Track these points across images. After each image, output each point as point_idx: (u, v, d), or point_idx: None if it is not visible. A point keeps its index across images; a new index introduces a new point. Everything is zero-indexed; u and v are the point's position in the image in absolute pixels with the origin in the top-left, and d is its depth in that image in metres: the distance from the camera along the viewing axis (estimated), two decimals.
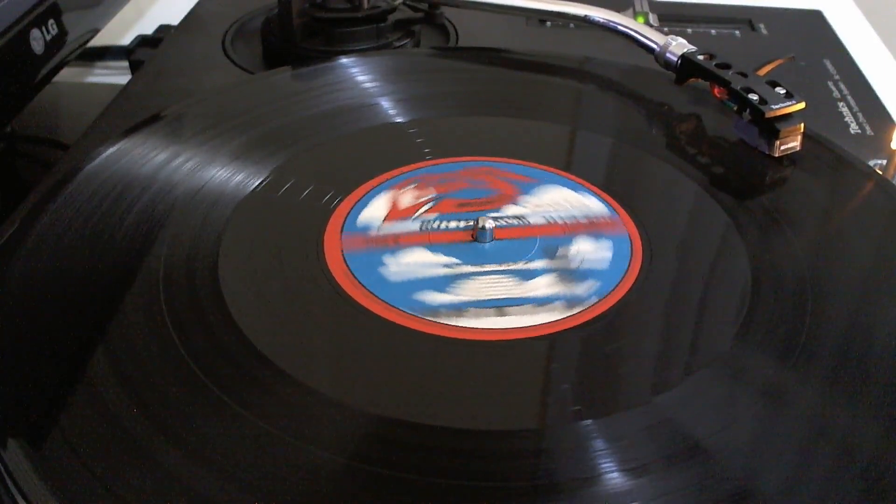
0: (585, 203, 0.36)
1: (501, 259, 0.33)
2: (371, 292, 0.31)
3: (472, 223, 0.34)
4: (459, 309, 0.30)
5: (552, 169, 0.38)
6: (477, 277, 0.32)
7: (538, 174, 0.37)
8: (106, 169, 0.36)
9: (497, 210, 0.35)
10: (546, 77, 0.46)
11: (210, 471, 0.24)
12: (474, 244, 0.33)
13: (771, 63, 0.51)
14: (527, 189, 0.36)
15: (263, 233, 0.34)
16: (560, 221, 0.35)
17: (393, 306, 0.30)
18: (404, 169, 0.38)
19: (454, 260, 0.32)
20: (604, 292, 0.31)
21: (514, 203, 0.36)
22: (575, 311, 0.30)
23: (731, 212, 0.35)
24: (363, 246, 0.33)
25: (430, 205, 0.35)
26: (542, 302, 0.30)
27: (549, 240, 0.34)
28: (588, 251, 0.33)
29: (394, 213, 0.35)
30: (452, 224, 0.34)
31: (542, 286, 0.31)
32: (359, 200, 0.35)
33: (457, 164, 0.38)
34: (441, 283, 0.31)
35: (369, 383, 0.28)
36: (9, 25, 0.42)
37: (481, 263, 0.32)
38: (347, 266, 0.32)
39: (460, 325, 0.29)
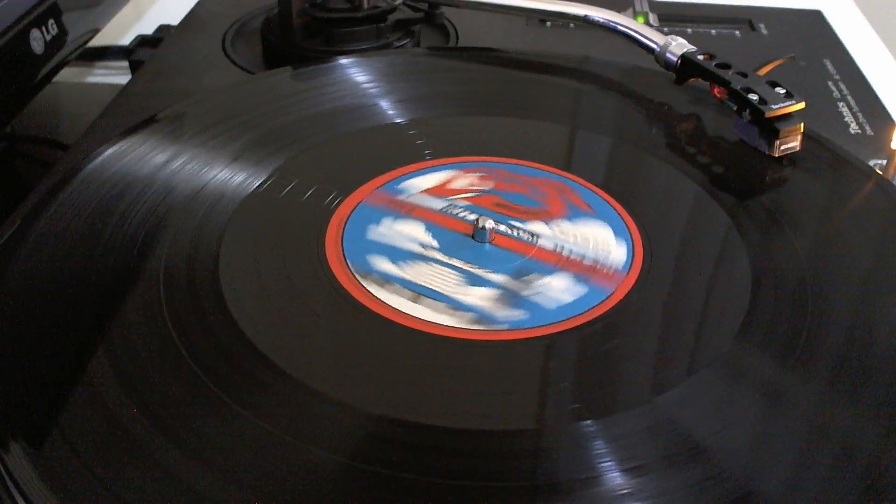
0: (610, 250, 0.33)
1: (473, 259, 0.33)
2: (340, 241, 0.32)
3: (475, 219, 0.34)
4: (386, 280, 0.31)
5: (619, 207, 0.36)
6: (433, 264, 0.32)
7: (601, 207, 0.36)
8: (106, 169, 0.36)
9: (521, 221, 0.34)
10: (546, 77, 0.46)
11: (210, 471, 0.24)
12: (468, 240, 0.33)
13: (771, 63, 0.51)
14: (574, 216, 0.35)
15: (264, 233, 0.34)
16: (565, 254, 0.33)
17: (342, 254, 0.32)
18: (486, 158, 0.38)
19: (434, 243, 0.33)
20: (519, 326, 0.30)
21: (546, 223, 0.34)
22: (477, 327, 0.29)
23: (731, 212, 0.35)
24: (383, 203, 0.34)
25: (474, 194, 0.36)
26: (455, 306, 0.30)
27: (534, 263, 0.33)
28: (555, 288, 0.31)
29: (436, 189, 0.36)
30: (471, 216, 0.34)
31: (476, 296, 0.31)
32: (422, 169, 0.37)
33: (533, 171, 0.37)
34: (399, 256, 0.32)
35: (369, 383, 0.28)
36: (9, 25, 0.42)
37: (452, 256, 0.33)
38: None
39: (375, 295, 0.30)
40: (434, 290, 0.31)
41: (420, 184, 0.36)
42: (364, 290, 0.31)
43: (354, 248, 0.32)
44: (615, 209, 0.35)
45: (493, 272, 0.32)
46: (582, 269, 0.32)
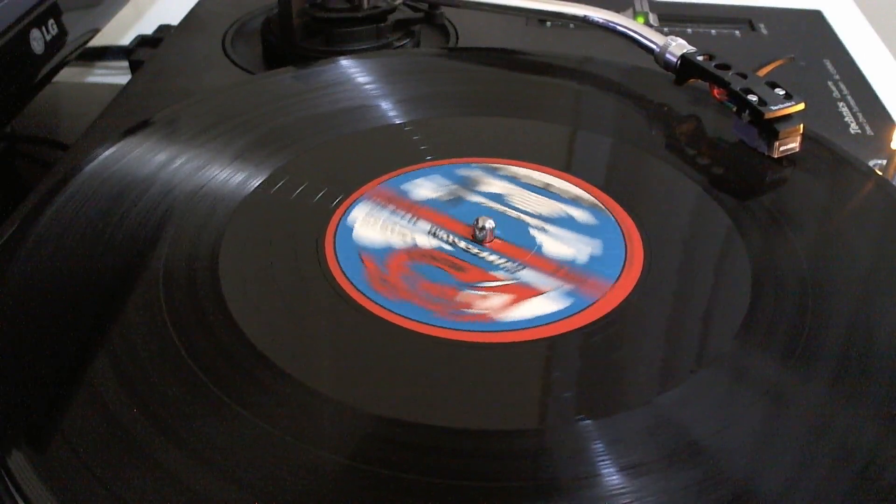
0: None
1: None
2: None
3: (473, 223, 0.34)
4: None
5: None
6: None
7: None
8: (106, 169, 0.36)
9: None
10: (546, 77, 0.46)
11: (210, 471, 0.24)
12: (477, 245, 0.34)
13: (771, 63, 0.51)
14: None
15: (264, 233, 0.34)
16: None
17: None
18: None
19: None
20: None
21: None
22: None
23: (731, 212, 0.35)
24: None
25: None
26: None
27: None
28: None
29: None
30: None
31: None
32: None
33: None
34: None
35: (369, 383, 0.28)
36: (9, 25, 0.42)
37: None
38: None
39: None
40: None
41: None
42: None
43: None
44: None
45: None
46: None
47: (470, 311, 0.30)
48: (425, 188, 0.36)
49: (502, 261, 0.33)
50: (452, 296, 0.31)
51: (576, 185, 0.37)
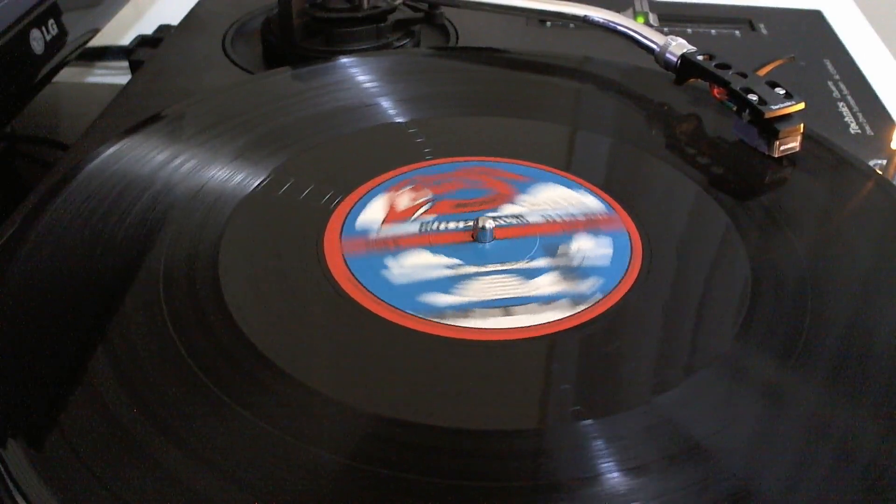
0: (583, 201, 0.36)
1: (503, 259, 0.33)
2: (377, 297, 0.31)
3: (471, 223, 0.34)
4: (466, 310, 0.30)
5: (547, 168, 0.38)
6: (480, 278, 0.32)
7: (534, 173, 0.37)
8: (106, 169, 0.36)
9: (495, 210, 0.35)
10: (546, 77, 0.46)
11: (210, 471, 0.24)
12: (475, 244, 0.33)
13: (771, 63, 0.51)
14: (523, 188, 0.36)
15: (263, 233, 0.34)
16: (558, 219, 0.35)
17: (400, 310, 0.30)
18: (400, 170, 0.37)
19: (456, 261, 0.32)
20: (608, 289, 0.31)
21: (512, 202, 0.36)
22: (580, 308, 0.30)
23: (730, 212, 0.35)
24: (364, 249, 0.33)
25: (427, 206, 0.35)
26: (547, 300, 0.31)
27: (549, 238, 0.34)
28: (588, 248, 0.33)
29: (392, 216, 0.35)
30: (452, 225, 0.34)
31: (546, 284, 0.31)
32: (356, 203, 0.35)
33: (451, 165, 0.38)
34: (445, 285, 0.31)
35: (369, 383, 0.28)
36: (9, 25, 0.42)
37: (483, 264, 0.32)
38: (349, 268, 0.32)
39: (467, 325, 0.29)
40: (512, 298, 0.31)
41: (372, 217, 0.35)
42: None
43: (401, 299, 0.30)
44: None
45: (531, 260, 0.32)
46: (585, 224, 0.34)
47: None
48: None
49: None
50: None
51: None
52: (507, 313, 0.30)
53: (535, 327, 0.29)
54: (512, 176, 0.37)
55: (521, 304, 0.30)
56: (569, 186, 0.37)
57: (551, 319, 0.30)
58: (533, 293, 0.31)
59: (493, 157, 0.38)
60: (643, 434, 0.26)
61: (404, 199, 0.36)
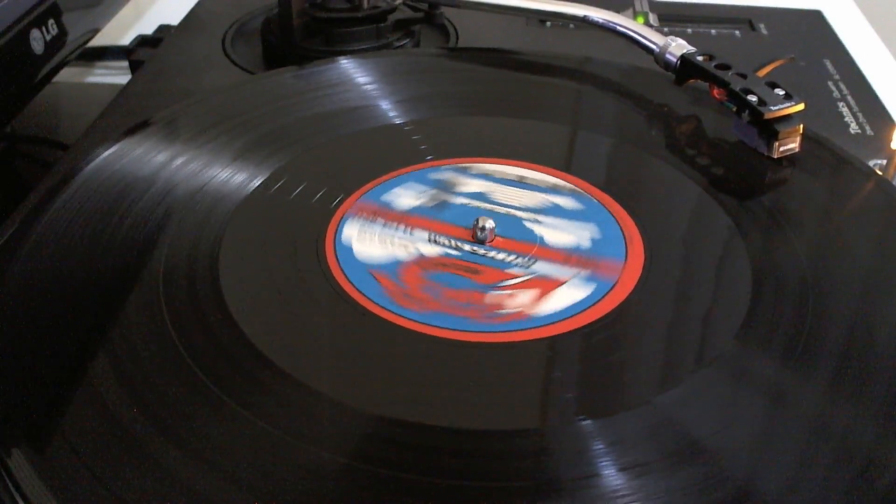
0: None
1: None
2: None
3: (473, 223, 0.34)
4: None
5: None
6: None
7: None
8: (106, 169, 0.36)
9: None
10: (546, 77, 0.46)
11: (210, 471, 0.24)
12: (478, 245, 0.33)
13: (771, 63, 0.51)
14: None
15: (264, 233, 0.34)
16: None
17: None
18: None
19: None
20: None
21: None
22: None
23: (731, 212, 0.35)
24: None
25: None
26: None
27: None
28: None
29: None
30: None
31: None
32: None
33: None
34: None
35: (369, 383, 0.28)
36: (9, 25, 0.42)
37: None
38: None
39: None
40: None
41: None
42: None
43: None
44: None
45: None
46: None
47: (504, 311, 0.30)
48: (406, 196, 0.36)
49: (512, 258, 0.33)
50: (480, 299, 0.31)
51: (549, 174, 0.37)
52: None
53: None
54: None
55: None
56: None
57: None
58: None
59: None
60: (644, 434, 0.26)
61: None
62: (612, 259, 0.33)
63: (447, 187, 0.37)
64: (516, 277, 0.32)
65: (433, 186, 0.37)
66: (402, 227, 0.34)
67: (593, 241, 0.34)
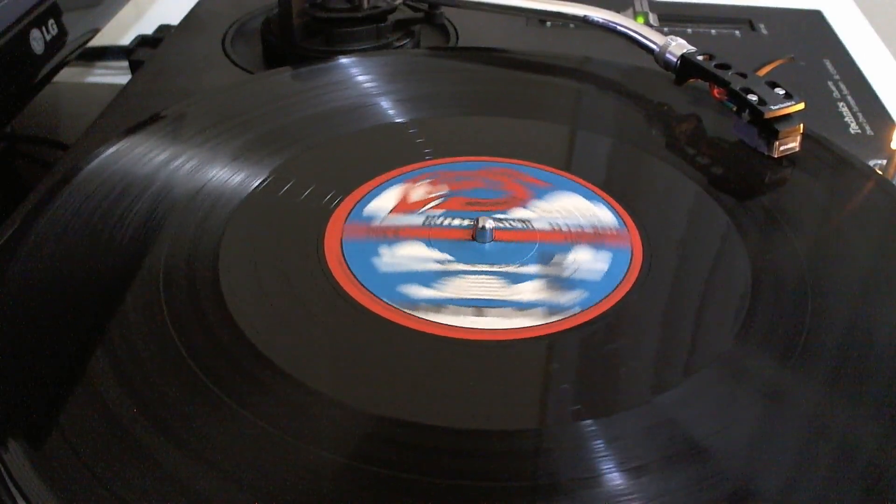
0: (596, 213, 0.35)
1: (495, 260, 0.33)
2: (357, 280, 0.31)
3: (473, 222, 0.34)
4: (439, 305, 0.30)
5: (570, 175, 0.37)
6: (465, 276, 0.32)
7: (555, 179, 0.37)
8: (106, 169, 0.36)
9: (504, 212, 0.35)
10: (546, 77, 0.46)
11: (210, 471, 0.24)
12: (473, 243, 0.33)
13: (771, 63, 0.51)
14: (540, 194, 0.36)
15: (263, 233, 0.34)
16: (565, 229, 0.34)
17: (374, 295, 0.30)
18: (421, 164, 0.37)
19: (448, 257, 0.33)
20: (588, 304, 0.30)
21: (524, 206, 0.35)
22: (554, 318, 0.30)
23: (731, 212, 0.35)
24: (363, 235, 0.33)
25: (439, 201, 0.35)
26: (522, 307, 0.30)
27: (549, 246, 0.33)
28: (585, 261, 0.33)
29: (401, 206, 0.35)
30: (456, 221, 0.34)
31: (528, 291, 0.31)
32: (371, 191, 0.36)
33: (476, 164, 0.38)
34: (428, 279, 0.31)
35: (369, 383, 0.28)
36: (9, 25, 0.42)
37: (474, 263, 0.32)
38: (343, 255, 0.32)
39: (438, 321, 0.29)
40: (489, 300, 0.31)
41: (382, 206, 0.35)
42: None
43: (379, 284, 0.31)
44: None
45: (522, 265, 0.32)
46: (590, 237, 0.34)
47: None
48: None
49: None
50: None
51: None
52: (479, 314, 0.30)
53: (515, 330, 0.29)
54: (532, 181, 0.37)
55: (495, 307, 0.30)
56: (586, 196, 0.36)
57: (521, 326, 0.29)
58: (512, 297, 0.31)
59: (493, 157, 0.38)
60: (643, 434, 0.26)
61: (419, 192, 0.36)
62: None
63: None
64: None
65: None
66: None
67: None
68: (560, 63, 0.46)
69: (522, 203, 0.36)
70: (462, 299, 0.31)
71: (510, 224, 0.34)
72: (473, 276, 0.32)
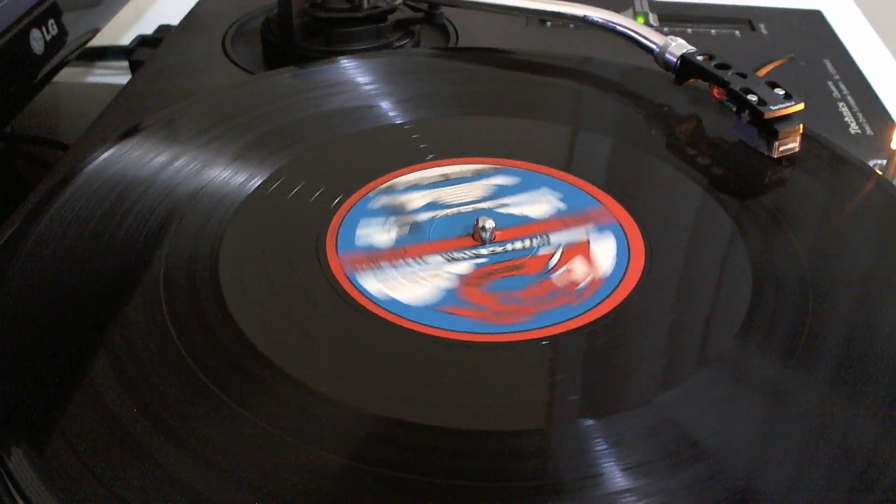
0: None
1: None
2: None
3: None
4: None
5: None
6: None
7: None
8: (106, 169, 0.36)
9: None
10: (546, 77, 0.46)
11: (210, 471, 0.24)
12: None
13: (771, 63, 0.51)
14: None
15: (264, 233, 0.34)
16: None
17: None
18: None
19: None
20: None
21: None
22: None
23: (731, 212, 0.35)
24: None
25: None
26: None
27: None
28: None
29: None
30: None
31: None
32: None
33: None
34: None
35: (369, 383, 0.28)
36: (9, 25, 0.42)
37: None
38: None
39: None
40: None
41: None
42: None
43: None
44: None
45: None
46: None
47: (583, 285, 0.31)
48: (377, 233, 0.34)
49: (528, 242, 0.33)
50: (554, 286, 0.31)
51: (463, 163, 0.38)
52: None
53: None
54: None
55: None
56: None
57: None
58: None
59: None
60: (644, 434, 0.26)
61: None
62: (593, 208, 0.35)
63: (400, 210, 0.35)
64: (553, 255, 0.32)
65: (388, 215, 0.35)
66: (411, 261, 0.33)
67: (563, 200, 0.35)
68: (560, 63, 0.46)
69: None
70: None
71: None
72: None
